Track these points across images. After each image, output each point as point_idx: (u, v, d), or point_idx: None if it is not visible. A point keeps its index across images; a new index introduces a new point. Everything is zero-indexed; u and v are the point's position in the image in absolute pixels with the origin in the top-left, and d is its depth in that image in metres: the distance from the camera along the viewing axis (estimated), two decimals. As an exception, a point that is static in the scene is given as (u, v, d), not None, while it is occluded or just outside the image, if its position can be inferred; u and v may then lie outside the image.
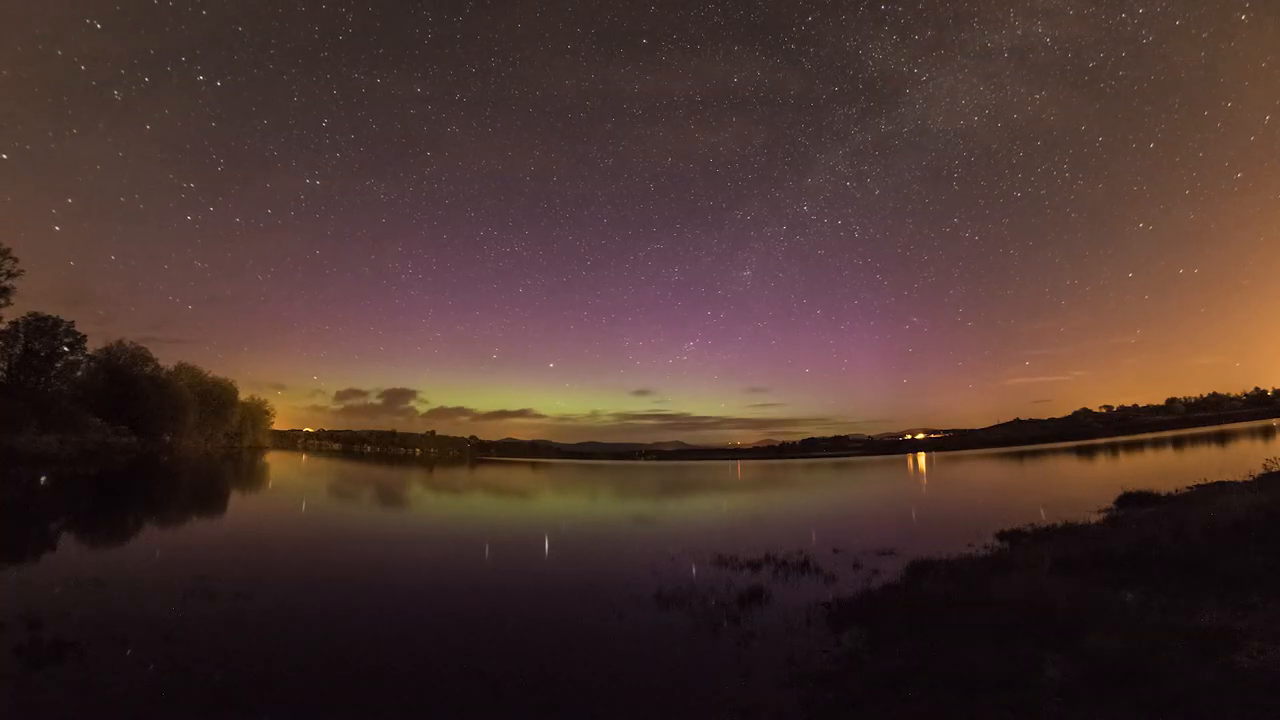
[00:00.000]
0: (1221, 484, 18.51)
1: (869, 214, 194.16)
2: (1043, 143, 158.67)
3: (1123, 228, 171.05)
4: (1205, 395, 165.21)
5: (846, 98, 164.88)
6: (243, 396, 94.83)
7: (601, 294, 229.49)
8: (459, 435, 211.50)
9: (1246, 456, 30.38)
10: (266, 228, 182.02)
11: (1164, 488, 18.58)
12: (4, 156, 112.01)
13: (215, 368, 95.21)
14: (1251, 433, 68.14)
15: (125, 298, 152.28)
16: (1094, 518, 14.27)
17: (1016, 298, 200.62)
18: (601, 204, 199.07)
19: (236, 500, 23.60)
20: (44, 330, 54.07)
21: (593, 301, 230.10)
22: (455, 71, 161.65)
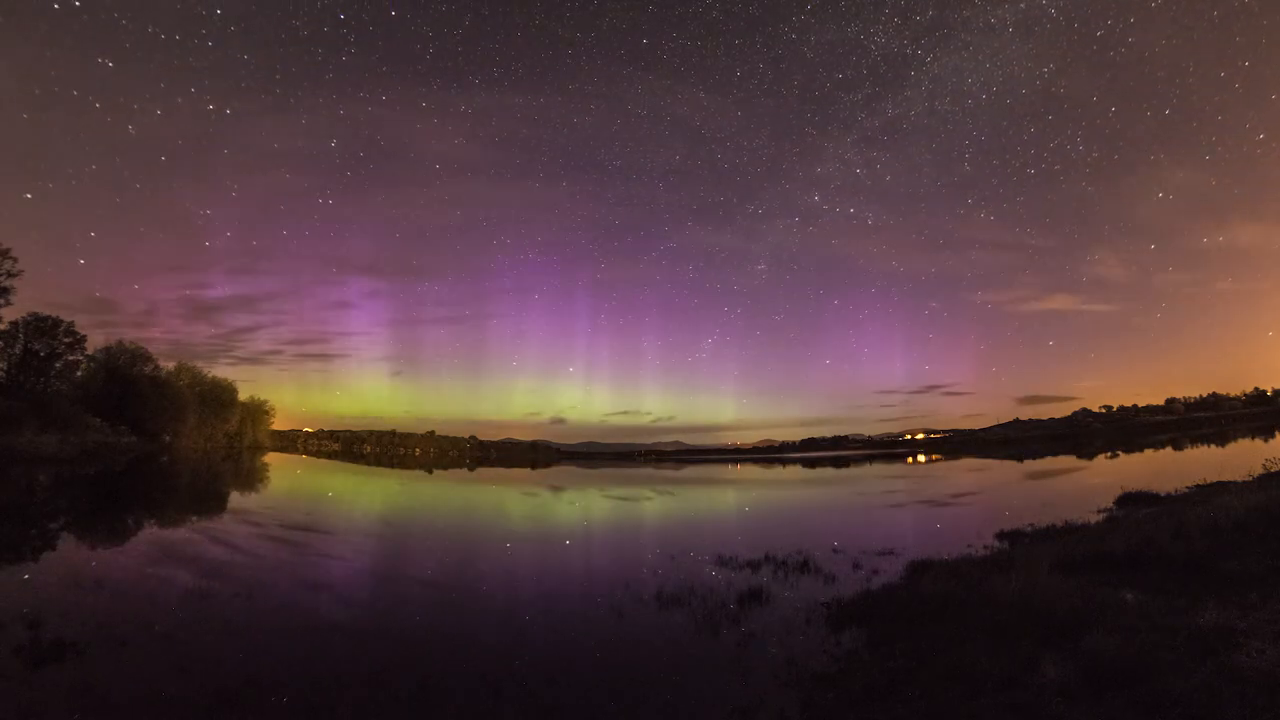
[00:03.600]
0: (1221, 484, 18.53)
1: (881, 200, 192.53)
2: (1054, 117, 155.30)
3: (1142, 199, 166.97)
4: (1205, 395, 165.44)
5: (851, 84, 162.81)
6: (243, 397, 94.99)
7: (617, 295, 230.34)
8: (459, 436, 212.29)
9: (1246, 456, 30.38)
10: (283, 249, 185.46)
11: (1164, 488, 18.61)
12: (28, 196, 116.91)
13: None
14: (1251, 433, 68.17)
15: (149, 324, 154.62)
16: (1093, 518, 14.28)
17: (1036, 277, 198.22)
18: (612, 206, 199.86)
19: (236, 500, 23.59)
20: (44, 330, 54.03)
21: (609, 304, 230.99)
22: (458, 84, 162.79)
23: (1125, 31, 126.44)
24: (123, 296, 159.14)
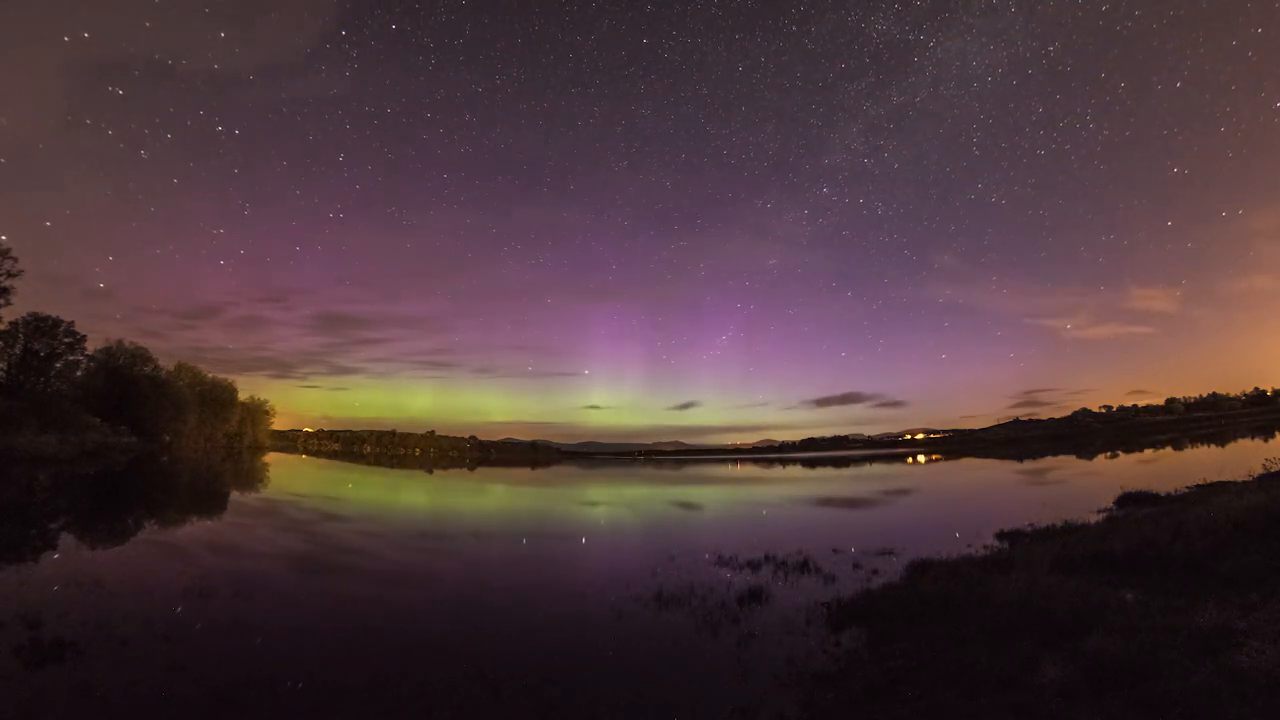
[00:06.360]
0: (1221, 484, 18.52)
1: (890, 189, 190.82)
2: (1062, 96, 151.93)
3: (1155, 174, 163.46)
4: (1205, 395, 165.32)
5: (854, 73, 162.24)
6: (243, 396, 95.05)
7: (629, 296, 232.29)
8: (460, 436, 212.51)
9: (1246, 456, 30.38)
10: (296, 264, 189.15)
11: (1163, 488, 18.60)
12: (48, 224, 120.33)
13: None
14: (1251, 432, 68.16)
15: (169, 344, 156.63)
16: (1093, 518, 14.28)
17: (1050, 259, 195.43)
18: (620, 207, 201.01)
19: (235, 500, 23.60)
20: (44, 330, 54.01)
21: (621, 305, 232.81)
22: (462, 93, 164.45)
23: (1131, 4, 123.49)
24: (143, 317, 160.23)
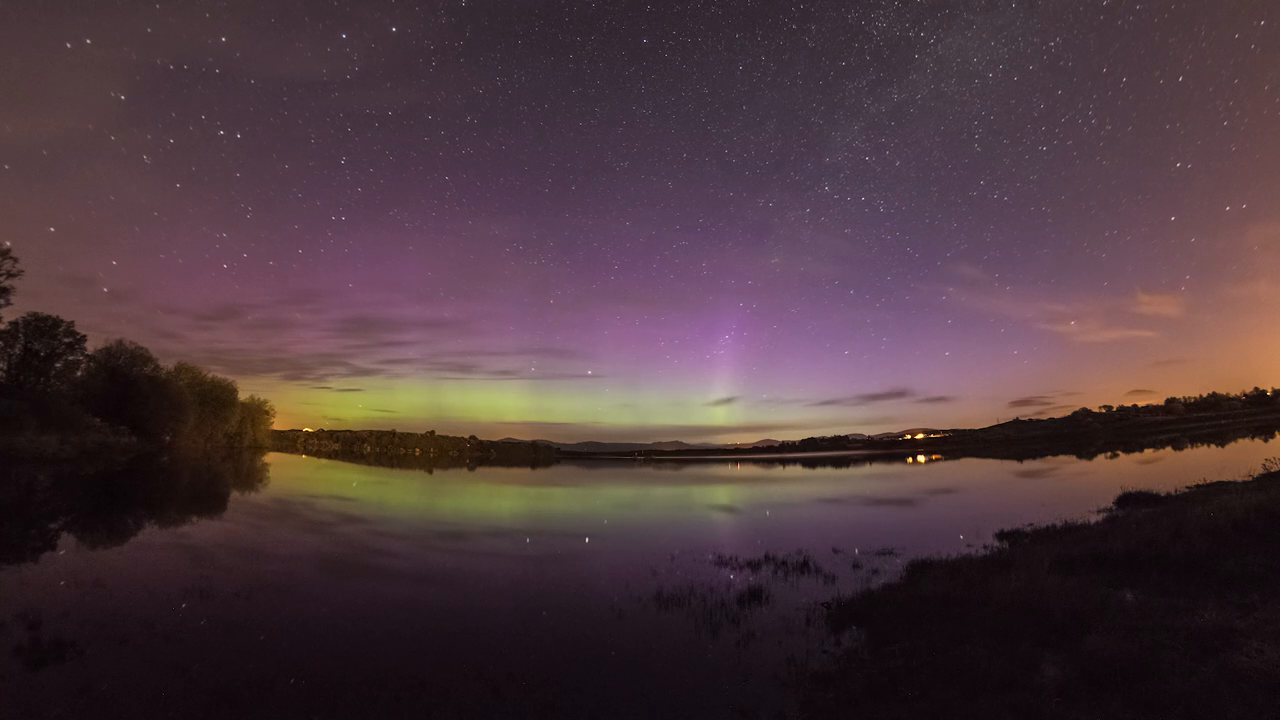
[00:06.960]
0: (1221, 484, 18.52)
1: (892, 187, 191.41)
2: (1063, 91, 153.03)
3: (1158, 170, 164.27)
4: (1205, 395, 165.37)
5: (855, 71, 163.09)
6: (241, 394, 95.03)
7: (632, 296, 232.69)
8: (460, 436, 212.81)
9: (1246, 456, 30.39)
10: (300, 267, 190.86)
11: (1163, 488, 18.58)
12: (51, 229, 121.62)
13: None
14: (1251, 432, 68.17)
15: (177, 349, 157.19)
16: (1093, 518, 14.27)
17: (1053, 256, 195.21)
18: (622, 207, 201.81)
19: (236, 500, 23.59)
20: (44, 330, 54.09)
21: (624, 305, 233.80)
22: (463, 95, 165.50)
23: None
24: (148, 323, 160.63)
